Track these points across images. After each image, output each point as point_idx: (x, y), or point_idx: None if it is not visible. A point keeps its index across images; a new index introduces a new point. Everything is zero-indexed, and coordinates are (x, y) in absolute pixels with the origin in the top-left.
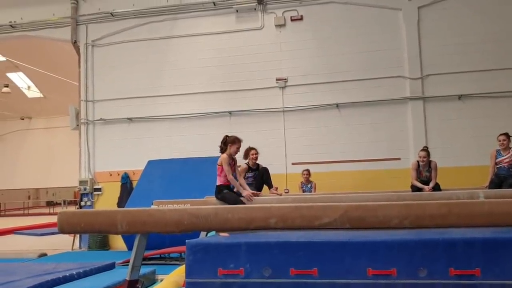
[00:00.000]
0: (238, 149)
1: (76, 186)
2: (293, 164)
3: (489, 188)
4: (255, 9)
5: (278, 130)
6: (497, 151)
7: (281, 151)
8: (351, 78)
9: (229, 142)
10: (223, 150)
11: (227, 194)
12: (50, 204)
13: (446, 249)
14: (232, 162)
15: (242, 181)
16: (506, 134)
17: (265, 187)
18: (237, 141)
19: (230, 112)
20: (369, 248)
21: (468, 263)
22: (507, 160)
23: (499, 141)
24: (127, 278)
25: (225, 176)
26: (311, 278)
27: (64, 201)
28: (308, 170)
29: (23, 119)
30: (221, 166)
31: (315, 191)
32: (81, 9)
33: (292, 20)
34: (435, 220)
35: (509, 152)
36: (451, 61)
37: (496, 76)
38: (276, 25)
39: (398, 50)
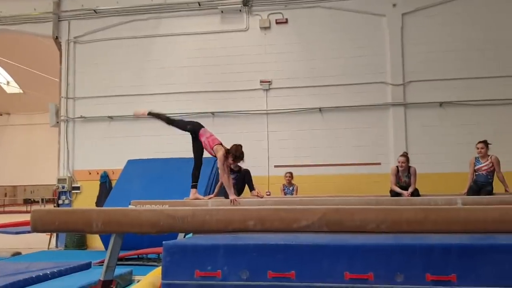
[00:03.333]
0: (230, 166)
1: (55, 184)
2: (275, 166)
3: (468, 194)
4: (240, 10)
5: (261, 132)
6: (476, 158)
7: (263, 153)
8: (334, 83)
9: (231, 152)
10: (226, 150)
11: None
12: (27, 202)
13: (423, 254)
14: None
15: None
16: (484, 142)
17: (246, 189)
18: (238, 159)
19: (213, 113)
20: (346, 252)
21: (445, 269)
22: (485, 167)
23: (477, 148)
24: (101, 278)
25: (210, 146)
26: (288, 281)
27: (43, 199)
28: (290, 173)
29: (1, 114)
30: (215, 152)
31: (296, 194)
32: (63, 4)
33: (277, 23)
34: (412, 226)
35: (487, 160)
36: (433, 68)
37: (478, 84)
38: (261, 27)
39: (381, 56)
